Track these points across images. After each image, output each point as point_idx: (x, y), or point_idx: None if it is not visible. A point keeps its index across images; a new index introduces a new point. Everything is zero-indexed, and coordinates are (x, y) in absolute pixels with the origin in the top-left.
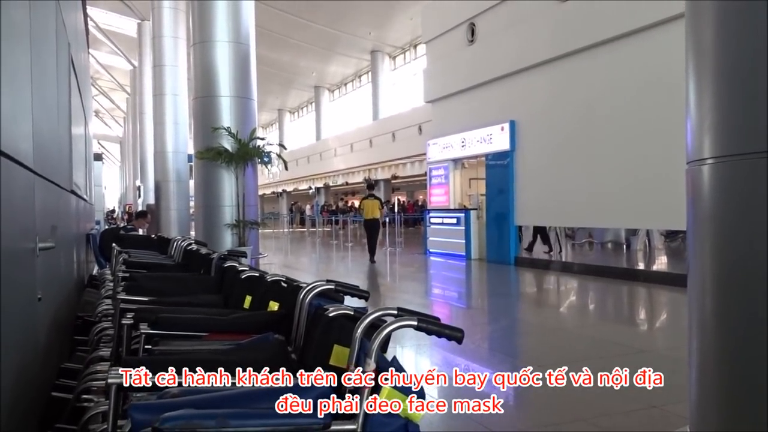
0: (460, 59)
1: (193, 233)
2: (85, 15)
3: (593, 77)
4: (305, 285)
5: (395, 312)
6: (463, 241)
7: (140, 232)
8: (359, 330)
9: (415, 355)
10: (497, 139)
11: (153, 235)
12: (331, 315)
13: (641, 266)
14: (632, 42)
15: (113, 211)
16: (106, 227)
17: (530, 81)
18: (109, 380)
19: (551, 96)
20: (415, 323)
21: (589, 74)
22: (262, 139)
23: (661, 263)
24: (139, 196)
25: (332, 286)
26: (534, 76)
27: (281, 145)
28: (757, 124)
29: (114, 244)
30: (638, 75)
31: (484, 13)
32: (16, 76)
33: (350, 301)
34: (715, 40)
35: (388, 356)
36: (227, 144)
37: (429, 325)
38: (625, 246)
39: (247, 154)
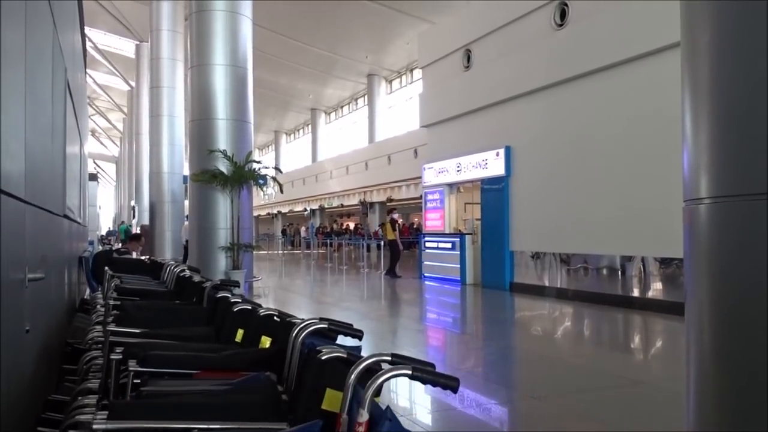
0: (456, 85)
1: None
2: (83, 36)
3: (588, 104)
4: (298, 321)
5: (389, 358)
6: (458, 265)
7: (134, 255)
8: (352, 377)
9: (408, 380)
10: (492, 165)
11: (146, 259)
12: (323, 358)
13: (636, 293)
14: (627, 70)
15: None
16: (100, 248)
17: (525, 107)
18: (95, 426)
19: (546, 122)
20: (410, 372)
21: (584, 101)
22: (258, 162)
23: (656, 290)
24: (134, 216)
25: (325, 325)
26: (529, 103)
27: (277, 169)
28: (756, 165)
29: (106, 268)
30: (633, 102)
31: (479, 39)
32: (9, 103)
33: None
34: (711, 78)
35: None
36: (223, 166)
37: (424, 374)
38: (620, 272)
39: (242, 177)
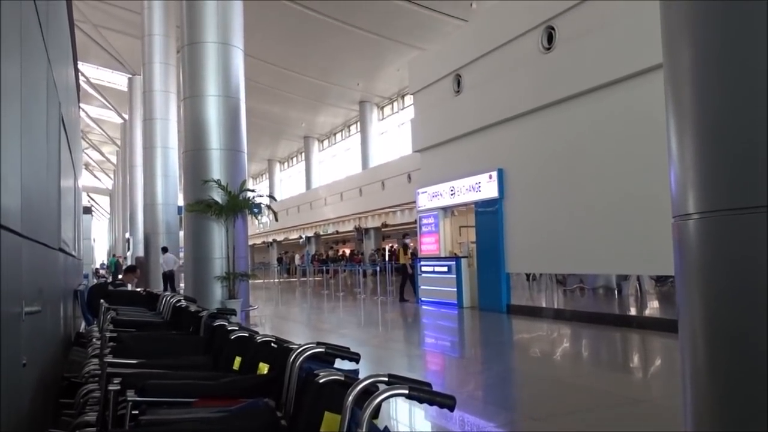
0: (447, 109)
1: (182, 285)
2: (77, 71)
3: (578, 125)
4: (295, 347)
5: (386, 379)
6: (455, 289)
7: (129, 287)
8: (350, 399)
9: (406, 404)
10: (485, 187)
11: (142, 290)
12: (321, 381)
13: (633, 312)
14: (614, 91)
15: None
16: (95, 281)
17: (517, 130)
18: None
19: (537, 144)
20: (407, 392)
21: (575, 122)
22: (252, 191)
23: (653, 308)
24: (129, 248)
25: (322, 349)
26: (520, 125)
27: (271, 197)
28: (740, 179)
29: (102, 300)
30: (623, 122)
31: (469, 65)
32: (5, 138)
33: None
34: (693, 96)
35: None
36: (217, 196)
37: (420, 393)
38: (616, 291)
39: (237, 206)
